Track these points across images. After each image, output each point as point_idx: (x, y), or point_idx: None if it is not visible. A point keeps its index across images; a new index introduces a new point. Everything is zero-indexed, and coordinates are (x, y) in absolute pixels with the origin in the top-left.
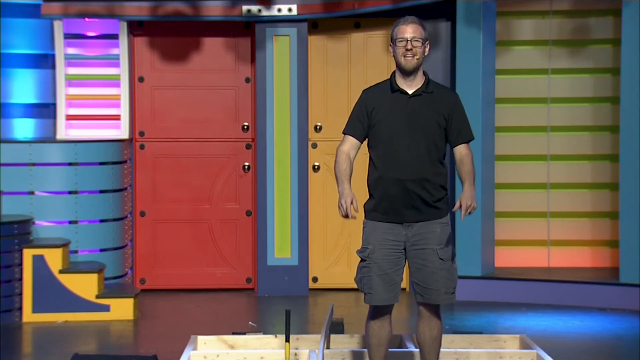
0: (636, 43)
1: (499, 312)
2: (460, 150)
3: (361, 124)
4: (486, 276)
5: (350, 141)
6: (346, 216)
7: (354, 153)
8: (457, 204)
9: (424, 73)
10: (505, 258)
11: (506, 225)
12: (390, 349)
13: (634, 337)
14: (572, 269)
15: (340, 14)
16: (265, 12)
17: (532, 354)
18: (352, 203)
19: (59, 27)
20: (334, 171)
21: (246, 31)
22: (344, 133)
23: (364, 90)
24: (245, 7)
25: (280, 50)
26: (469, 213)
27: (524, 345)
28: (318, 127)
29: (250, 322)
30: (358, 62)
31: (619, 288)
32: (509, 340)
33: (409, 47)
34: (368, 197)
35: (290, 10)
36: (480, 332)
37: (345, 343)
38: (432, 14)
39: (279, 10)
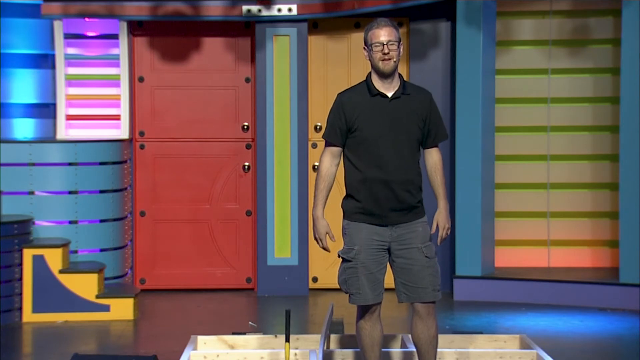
0: (636, 43)
1: (499, 312)
2: (433, 155)
3: (340, 130)
4: (486, 276)
5: (332, 151)
6: (324, 249)
7: (337, 161)
8: (434, 225)
9: (399, 75)
10: (505, 258)
11: (506, 225)
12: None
13: (634, 337)
14: (572, 269)
15: (340, 14)
16: (265, 12)
17: (532, 354)
18: (327, 234)
19: (59, 27)
20: (315, 184)
21: (246, 31)
22: (325, 139)
23: (339, 94)
24: (245, 7)
25: (280, 50)
26: (444, 236)
27: (524, 345)
28: (318, 127)
29: (250, 322)
30: (358, 62)
31: (619, 288)
32: (509, 340)
33: (386, 50)
34: (346, 197)
35: (290, 10)
36: (480, 332)
37: (345, 343)
38: (432, 14)
39: (279, 10)
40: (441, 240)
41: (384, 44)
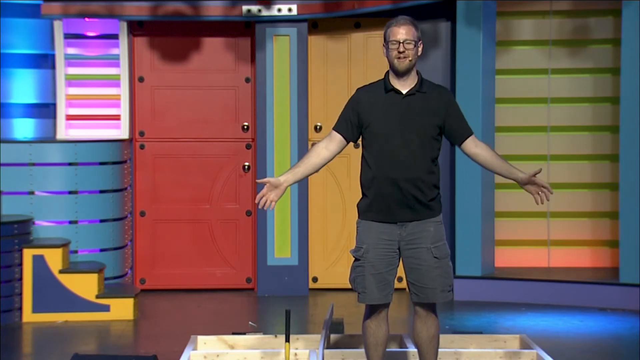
0: (636, 43)
1: (499, 312)
2: (471, 144)
3: (350, 123)
4: (486, 276)
5: (332, 136)
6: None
7: (333, 147)
8: (538, 175)
9: (417, 72)
10: (505, 258)
11: (506, 225)
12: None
13: (634, 337)
14: (572, 269)
15: (340, 14)
16: (265, 12)
17: (532, 354)
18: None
19: (59, 27)
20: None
21: (246, 31)
22: (333, 129)
23: (358, 89)
24: (245, 7)
25: (280, 50)
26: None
27: (524, 345)
28: (318, 127)
29: (250, 322)
30: (358, 62)
31: (619, 288)
32: (509, 340)
33: (402, 49)
34: (361, 196)
35: (290, 10)
36: (480, 332)
37: (345, 343)
38: (432, 14)
39: (279, 10)
40: (543, 194)
41: (400, 42)
